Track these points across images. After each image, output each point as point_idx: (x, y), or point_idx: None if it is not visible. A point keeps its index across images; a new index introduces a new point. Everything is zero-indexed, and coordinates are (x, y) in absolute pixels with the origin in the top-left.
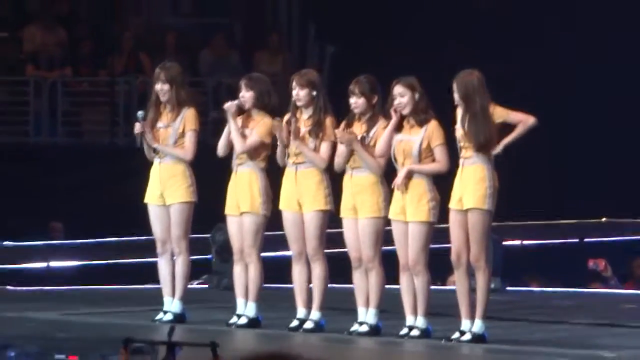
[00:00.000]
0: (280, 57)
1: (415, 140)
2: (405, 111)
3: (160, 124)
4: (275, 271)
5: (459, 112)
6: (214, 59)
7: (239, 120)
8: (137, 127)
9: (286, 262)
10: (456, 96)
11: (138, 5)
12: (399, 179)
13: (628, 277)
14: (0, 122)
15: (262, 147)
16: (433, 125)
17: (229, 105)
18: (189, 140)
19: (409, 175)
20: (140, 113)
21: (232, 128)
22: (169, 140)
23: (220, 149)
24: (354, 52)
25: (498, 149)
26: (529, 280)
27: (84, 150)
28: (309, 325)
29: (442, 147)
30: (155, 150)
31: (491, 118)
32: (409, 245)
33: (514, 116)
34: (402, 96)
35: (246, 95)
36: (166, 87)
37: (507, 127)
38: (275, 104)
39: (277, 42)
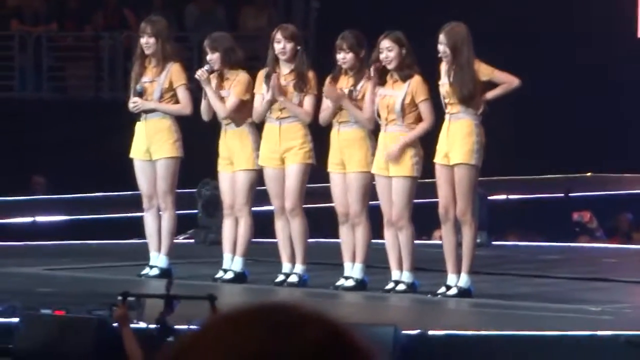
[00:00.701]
0: (265, 12)
1: (399, 95)
2: (391, 65)
3: (145, 79)
4: (262, 226)
5: (444, 66)
6: (199, 14)
7: (214, 82)
8: (138, 103)
9: (269, 217)
10: (442, 47)
11: None
12: (394, 152)
13: (614, 232)
14: None
15: (242, 105)
16: (417, 81)
17: (200, 74)
18: (183, 95)
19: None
20: (138, 87)
21: (209, 95)
22: (154, 95)
23: (204, 114)
24: (339, 7)
25: (485, 103)
26: (507, 234)
27: (68, 105)
28: (292, 279)
29: (427, 103)
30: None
31: (476, 73)
32: (393, 201)
33: (499, 75)
34: (389, 50)
35: (213, 57)
36: (152, 40)
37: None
38: (241, 58)
39: None
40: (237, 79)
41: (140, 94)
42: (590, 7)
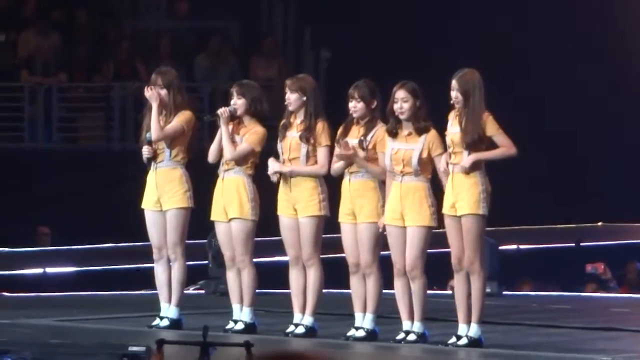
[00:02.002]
0: (275, 62)
1: (415, 149)
2: (404, 116)
3: None
4: (274, 276)
5: (452, 114)
6: (209, 64)
7: (230, 126)
8: (146, 151)
9: (285, 267)
10: (455, 93)
11: (134, 8)
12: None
13: (623, 281)
14: None
15: (251, 154)
16: (433, 135)
17: (223, 111)
18: (170, 126)
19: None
20: (148, 135)
21: (223, 134)
22: (165, 143)
23: (211, 154)
24: (350, 57)
25: (468, 161)
26: (520, 284)
27: (79, 155)
28: (300, 330)
29: (442, 157)
30: (154, 158)
31: (483, 124)
32: (407, 249)
33: (501, 138)
34: (404, 101)
35: (238, 102)
36: (164, 92)
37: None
38: (267, 110)
39: (272, 47)
40: (254, 129)
41: (150, 143)
42: (605, 58)
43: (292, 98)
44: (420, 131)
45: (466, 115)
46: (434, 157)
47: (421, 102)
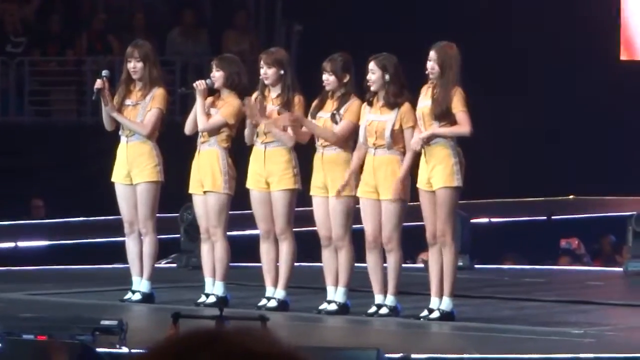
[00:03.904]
0: (247, 36)
1: (388, 121)
2: (373, 88)
3: (128, 102)
4: (245, 250)
5: (425, 88)
6: (182, 38)
7: (209, 99)
8: (98, 83)
9: (256, 241)
10: (431, 64)
11: None
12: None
13: (597, 254)
14: None
15: (225, 127)
16: (406, 108)
17: (199, 83)
18: (150, 117)
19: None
20: (105, 72)
21: (198, 105)
22: (137, 119)
23: (187, 126)
24: (321, 30)
25: (424, 135)
26: (504, 260)
27: (51, 129)
28: (272, 303)
29: (412, 131)
30: (118, 124)
31: (451, 97)
32: (383, 223)
33: (460, 116)
34: (372, 73)
35: (216, 75)
36: (139, 65)
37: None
38: (246, 84)
39: (244, 21)
40: (229, 102)
41: (108, 79)
42: (572, 33)
43: (269, 72)
44: (390, 105)
45: (440, 88)
46: (405, 129)
47: (392, 76)
